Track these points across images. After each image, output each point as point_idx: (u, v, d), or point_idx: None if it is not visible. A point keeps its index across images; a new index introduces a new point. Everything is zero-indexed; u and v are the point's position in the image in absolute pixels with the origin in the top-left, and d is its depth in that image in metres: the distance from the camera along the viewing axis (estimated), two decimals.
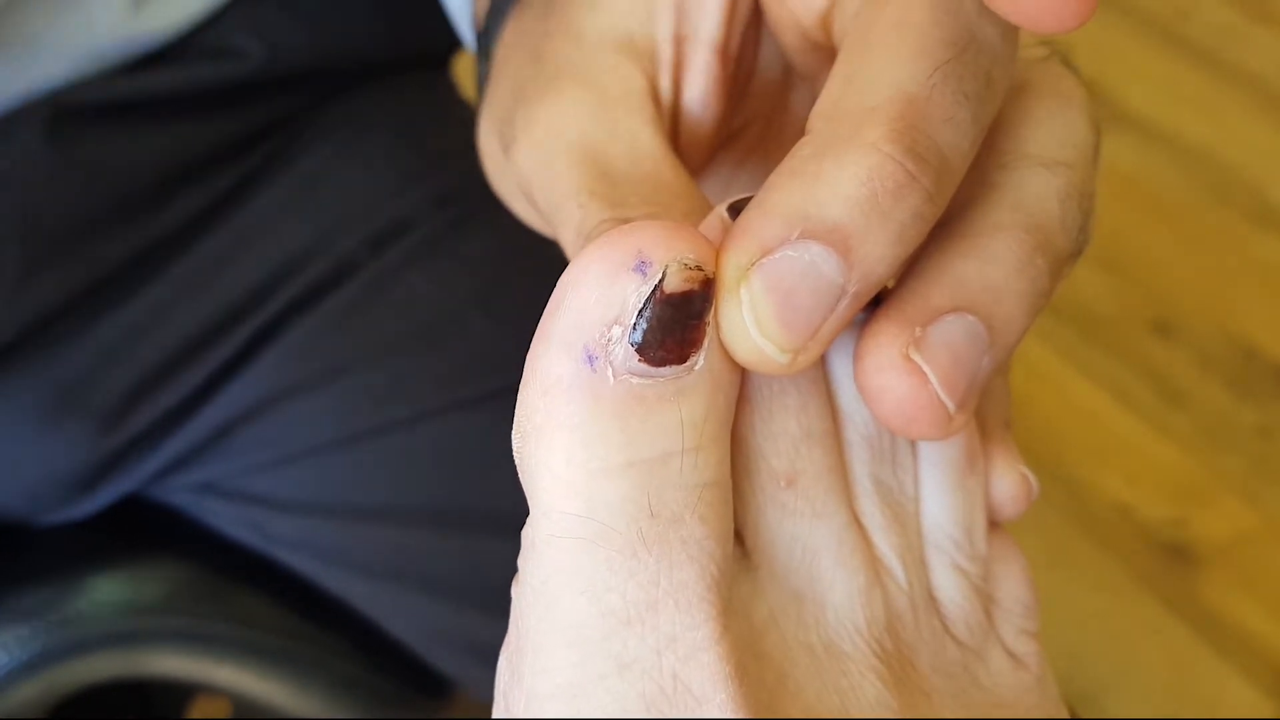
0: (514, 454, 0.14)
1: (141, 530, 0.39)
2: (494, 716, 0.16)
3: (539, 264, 0.39)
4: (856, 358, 0.14)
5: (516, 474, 0.44)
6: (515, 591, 0.15)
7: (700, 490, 0.14)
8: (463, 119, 0.43)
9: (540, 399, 0.14)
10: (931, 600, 0.16)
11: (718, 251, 0.14)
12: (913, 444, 0.16)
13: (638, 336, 0.13)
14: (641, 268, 0.13)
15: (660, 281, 0.13)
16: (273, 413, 0.37)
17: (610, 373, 0.13)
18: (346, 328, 0.37)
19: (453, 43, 0.42)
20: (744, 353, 0.14)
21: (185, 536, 0.39)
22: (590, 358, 0.13)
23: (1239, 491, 0.91)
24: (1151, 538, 0.89)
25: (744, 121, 0.21)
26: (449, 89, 0.44)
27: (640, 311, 0.13)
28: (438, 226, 0.39)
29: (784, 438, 0.15)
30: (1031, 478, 0.16)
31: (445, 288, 0.38)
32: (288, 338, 0.37)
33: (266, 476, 0.38)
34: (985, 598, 0.16)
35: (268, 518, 0.38)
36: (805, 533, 0.15)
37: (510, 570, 0.41)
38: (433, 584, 0.37)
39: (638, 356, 0.13)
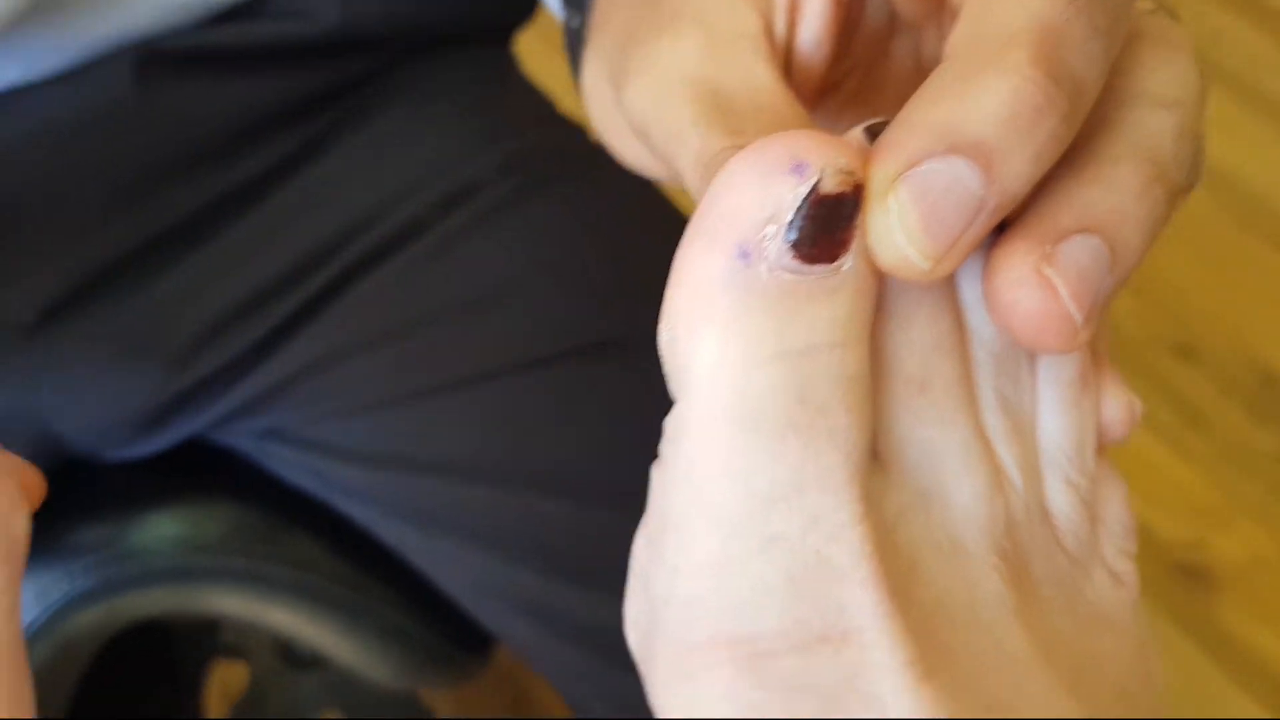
0: (660, 348, 0.15)
1: (202, 471, 0.40)
2: (629, 595, 0.16)
3: (602, 233, 0.40)
4: (989, 274, 0.15)
5: (573, 436, 0.44)
6: (657, 476, 0.16)
7: (846, 383, 0.14)
8: (525, 94, 0.44)
9: (692, 293, 0.14)
10: (1044, 512, 0.16)
11: (865, 163, 0.15)
12: (1032, 363, 0.17)
13: (793, 234, 0.14)
14: (798, 170, 0.14)
15: (816, 183, 0.14)
16: (337, 366, 0.38)
17: (764, 268, 0.14)
18: (412, 286, 0.38)
19: (518, 18, 0.44)
20: (889, 259, 0.14)
21: (245, 479, 0.40)
22: (744, 254, 0.14)
23: (1256, 515, 0.91)
24: (1167, 558, 0.89)
25: (845, 70, 0.22)
26: (512, 64, 0.45)
27: (796, 210, 0.14)
28: (503, 192, 0.39)
29: (918, 346, 0.16)
30: (1137, 404, 0.17)
31: (510, 252, 0.39)
32: (355, 293, 0.38)
33: (330, 425, 0.38)
34: (1092, 514, 0.17)
35: (328, 465, 0.39)
36: (934, 437, 0.16)
37: (563, 528, 0.42)
38: (486, 539, 0.38)
39: (792, 253, 0.14)
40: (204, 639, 0.58)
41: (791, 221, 0.14)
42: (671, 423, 0.15)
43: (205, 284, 0.37)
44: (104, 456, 0.39)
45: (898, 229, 0.14)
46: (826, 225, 0.14)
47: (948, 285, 0.16)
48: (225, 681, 0.76)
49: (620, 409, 0.38)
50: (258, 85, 0.37)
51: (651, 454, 0.43)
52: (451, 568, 0.39)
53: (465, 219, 0.39)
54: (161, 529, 0.39)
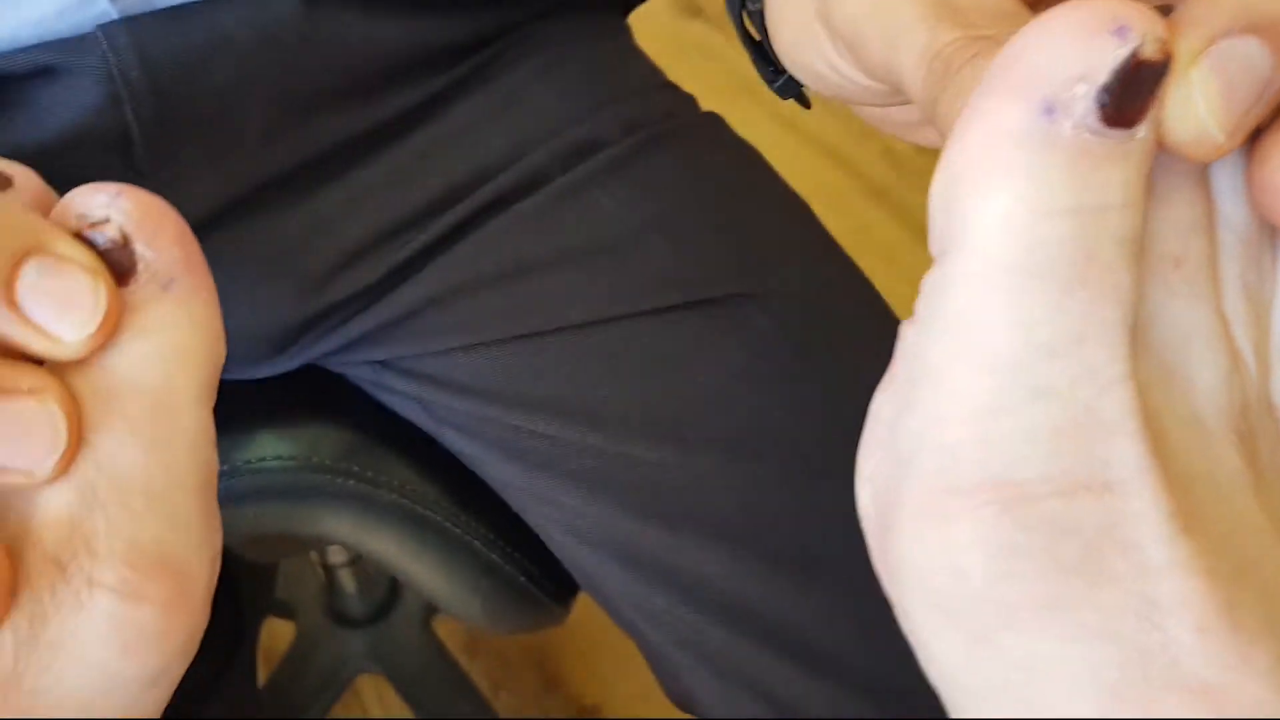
0: (933, 197, 0.16)
1: (316, 393, 0.41)
2: (864, 453, 0.17)
3: (714, 195, 0.42)
4: (1262, 157, 0.16)
5: (678, 385, 0.45)
6: (910, 332, 0.16)
7: (1130, 245, 0.15)
8: (641, 61, 0.46)
9: (986, 144, 0.15)
10: (1269, 404, 0.17)
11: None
12: (1275, 255, 0.17)
13: (1105, 96, 0.14)
14: (1120, 33, 0.14)
15: (1137, 48, 0.14)
16: (458, 303, 0.39)
17: (1069, 125, 0.14)
18: (534, 232, 0.40)
19: None
20: (1187, 132, 0.15)
21: (356, 405, 0.41)
22: (1048, 109, 0.15)
23: None
24: None
25: None
26: (629, 33, 0.47)
27: (1113, 72, 0.14)
28: (625, 150, 0.41)
29: (1178, 224, 0.16)
30: None
31: (628, 206, 0.40)
32: (479, 234, 0.40)
33: (444, 360, 0.40)
34: None
35: (440, 398, 0.40)
36: (1184, 314, 0.16)
37: (661, 475, 0.42)
38: (584, 480, 0.39)
39: (1098, 113, 0.14)
40: (262, 590, 0.59)
41: (1106, 83, 0.14)
42: (934, 277, 0.16)
43: (344, 213, 0.39)
44: (225, 375, 0.40)
45: (1200, 103, 0.15)
46: (1135, 91, 0.15)
47: (1203, 169, 0.17)
48: (269, 638, 0.77)
49: (725, 362, 0.39)
50: (412, 25, 0.38)
51: (754, 406, 0.43)
52: (547, 507, 0.40)
53: (587, 172, 0.40)
54: (276, 446, 0.40)
